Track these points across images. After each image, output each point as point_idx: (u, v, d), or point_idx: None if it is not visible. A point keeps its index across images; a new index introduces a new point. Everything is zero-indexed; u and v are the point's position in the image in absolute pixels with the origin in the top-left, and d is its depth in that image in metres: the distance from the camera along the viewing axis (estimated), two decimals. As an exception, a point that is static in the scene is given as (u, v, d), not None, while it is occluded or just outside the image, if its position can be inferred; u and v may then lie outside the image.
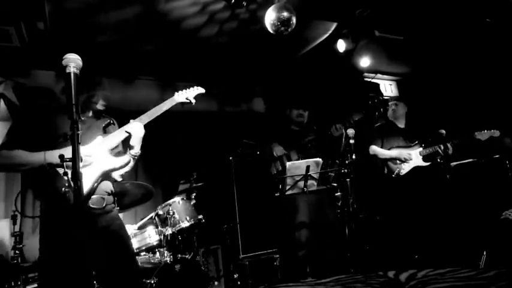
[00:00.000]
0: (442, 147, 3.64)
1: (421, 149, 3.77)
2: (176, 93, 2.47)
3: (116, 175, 2.25)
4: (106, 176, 2.08)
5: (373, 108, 3.48)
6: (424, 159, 3.76)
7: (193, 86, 2.57)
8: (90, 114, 2.23)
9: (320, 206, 3.29)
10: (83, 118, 2.17)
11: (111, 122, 2.30)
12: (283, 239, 3.50)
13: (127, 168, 2.24)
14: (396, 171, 3.76)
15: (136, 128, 2.12)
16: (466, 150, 3.91)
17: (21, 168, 1.94)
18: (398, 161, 3.78)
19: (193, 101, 2.52)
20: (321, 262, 3.23)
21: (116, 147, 2.16)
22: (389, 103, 4.13)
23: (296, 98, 3.71)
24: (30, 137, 1.97)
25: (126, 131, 2.12)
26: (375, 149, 3.92)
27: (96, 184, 2.00)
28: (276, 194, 3.18)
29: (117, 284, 2.04)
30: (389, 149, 3.86)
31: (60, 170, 1.83)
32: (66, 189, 1.81)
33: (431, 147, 3.72)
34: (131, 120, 2.19)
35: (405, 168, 3.75)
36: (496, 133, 3.59)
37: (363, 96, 5.26)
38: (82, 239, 1.72)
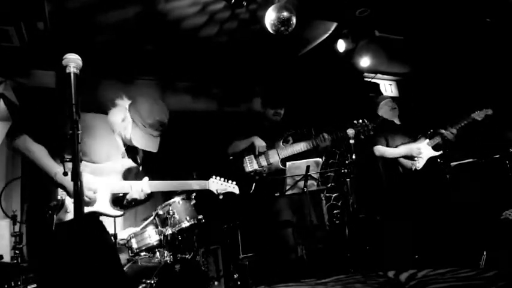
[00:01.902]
0: (448, 130, 3.67)
1: (427, 140, 3.77)
2: (212, 179, 2.46)
3: None
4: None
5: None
6: (435, 148, 3.76)
7: (231, 182, 2.54)
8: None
9: (302, 207, 3.23)
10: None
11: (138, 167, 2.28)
12: (267, 242, 3.46)
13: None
14: (413, 168, 3.75)
15: (136, 191, 2.08)
16: (467, 146, 3.92)
17: (32, 163, 1.90)
18: (409, 157, 3.77)
19: (221, 196, 2.50)
20: (304, 263, 3.20)
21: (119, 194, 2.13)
22: (385, 101, 4.10)
23: (272, 97, 3.64)
24: (52, 135, 1.96)
25: (131, 186, 2.09)
26: (380, 148, 3.86)
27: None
28: (276, 194, 3.17)
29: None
30: (395, 147, 3.85)
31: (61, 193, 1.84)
32: (50, 212, 1.80)
33: (436, 135, 3.75)
34: (145, 179, 2.16)
35: (421, 162, 3.74)
36: (489, 111, 3.69)
37: (362, 96, 5.26)
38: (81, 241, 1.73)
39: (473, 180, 4.00)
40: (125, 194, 2.11)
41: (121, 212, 2.06)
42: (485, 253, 3.10)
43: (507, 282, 1.51)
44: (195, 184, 2.37)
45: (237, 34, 3.93)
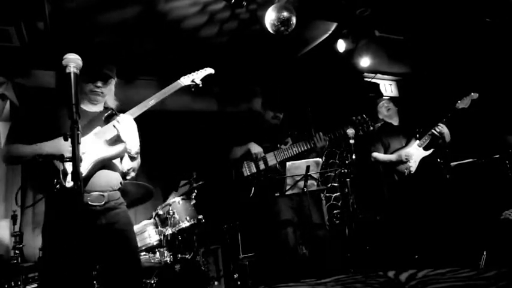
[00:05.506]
0: (437, 129, 3.62)
1: (417, 141, 3.74)
2: (182, 77, 2.39)
3: (124, 173, 2.19)
4: (102, 165, 1.99)
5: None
6: (426, 148, 3.72)
7: (202, 68, 2.46)
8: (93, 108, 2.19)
9: (302, 207, 3.19)
10: (86, 109, 2.13)
11: (113, 112, 2.16)
12: (267, 242, 3.45)
13: (132, 164, 2.17)
14: (406, 172, 3.73)
15: (122, 123, 2.00)
16: (466, 146, 3.89)
17: (19, 160, 1.97)
18: (401, 162, 3.76)
19: (200, 83, 2.40)
20: (304, 264, 3.19)
21: (115, 139, 2.03)
22: (381, 103, 4.11)
23: (273, 99, 3.56)
24: (31, 134, 1.94)
25: (113, 126, 1.99)
26: (376, 155, 3.90)
27: (88, 173, 1.91)
28: (276, 194, 3.17)
29: (117, 284, 2.01)
30: (392, 153, 3.84)
31: (58, 164, 1.83)
32: (58, 181, 1.79)
33: (425, 135, 3.69)
34: (121, 115, 2.06)
35: (413, 165, 3.71)
36: (475, 95, 3.58)
37: (362, 97, 5.26)
38: (81, 237, 1.71)
39: (473, 180, 4.00)
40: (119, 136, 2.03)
41: (121, 147, 2.01)
42: (485, 253, 3.10)
43: (507, 282, 1.51)
44: (168, 90, 2.35)
45: (237, 34, 3.93)
